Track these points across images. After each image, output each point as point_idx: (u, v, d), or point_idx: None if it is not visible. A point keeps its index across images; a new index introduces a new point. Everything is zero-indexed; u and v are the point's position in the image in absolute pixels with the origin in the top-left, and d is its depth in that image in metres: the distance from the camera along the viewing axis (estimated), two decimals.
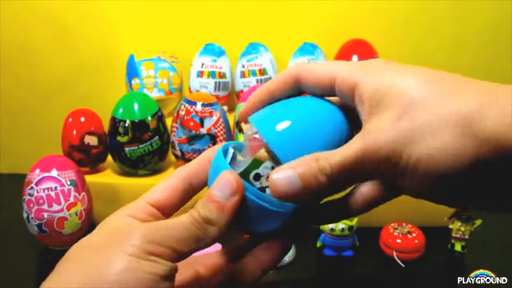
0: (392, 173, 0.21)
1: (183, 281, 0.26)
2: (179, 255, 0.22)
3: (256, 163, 0.24)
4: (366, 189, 0.24)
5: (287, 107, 0.25)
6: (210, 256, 0.28)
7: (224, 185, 0.23)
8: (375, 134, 0.21)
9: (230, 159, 0.25)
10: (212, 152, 0.26)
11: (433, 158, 0.20)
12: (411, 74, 0.23)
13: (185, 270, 0.26)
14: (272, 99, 0.26)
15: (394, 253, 0.58)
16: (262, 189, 0.24)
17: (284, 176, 0.22)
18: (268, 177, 0.23)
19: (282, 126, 0.23)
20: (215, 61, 0.80)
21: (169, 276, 0.22)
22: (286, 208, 0.23)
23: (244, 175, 0.24)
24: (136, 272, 0.21)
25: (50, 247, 0.60)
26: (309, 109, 0.25)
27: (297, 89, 0.26)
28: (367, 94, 0.23)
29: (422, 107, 0.21)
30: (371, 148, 0.21)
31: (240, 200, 0.23)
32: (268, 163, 0.24)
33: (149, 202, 0.25)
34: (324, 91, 0.25)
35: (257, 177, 0.24)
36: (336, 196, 0.25)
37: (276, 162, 0.24)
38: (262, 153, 0.24)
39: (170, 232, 0.22)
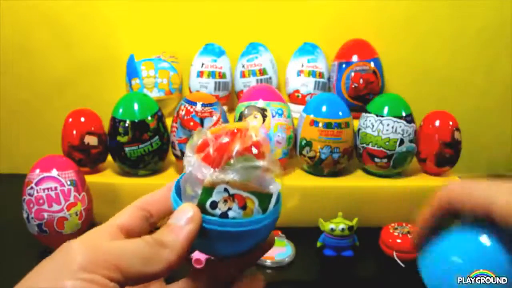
0: None
1: None
2: (125, 277, 0.21)
3: (208, 191, 0.23)
4: None
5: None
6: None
7: (180, 214, 0.23)
8: None
9: (183, 193, 0.25)
10: (170, 187, 0.26)
11: None
12: None
13: None
14: (432, 228, 0.27)
15: (394, 253, 0.58)
16: (224, 213, 0.23)
17: None
18: (225, 200, 0.23)
19: None
20: (215, 61, 0.80)
21: None
22: (252, 225, 0.23)
23: (200, 207, 0.23)
24: None
25: (50, 247, 0.60)
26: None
27: (447, 212, 0.27)
28: None
29: None
30: None
31: (197, 229, 0.23)
32: (220, 187, 0.23)
33: (117, 225, 0.24)
34: (479, 213, 0.25)
35: (214, 204, 0.23)
36: None
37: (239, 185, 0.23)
38: (209, 180, 0.23)
39: (114, 250, 0.21)
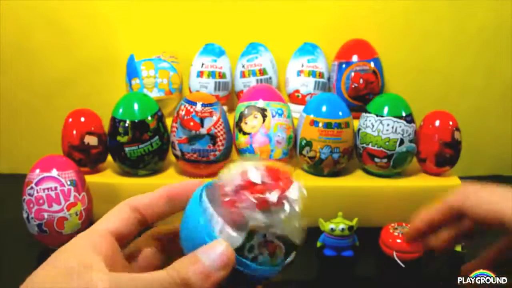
0: None
1: None
2: None
3: (251, 235, 0.23)
4: None
5: None
6: None
7: (214, 255, 0.21)
8: None
9: (215, 220, 0.23)
10: (172, 190, 0.25)
11: None
12: None
13: None
14: (431, 226, 0.27)
15: (394, 253, 0.58)
16: (255, 258, 0.23)
17: None
18: (260, 244, 0.23)
19: None
20: (215, 61, 0.80)
21: None
22: (275, 271, 0.23)
23: (238, 249, 0.22)
24: None
25: (50, 247, 0.60)
26: None
27: (458, 217, 0.27)
28: None
29: None
30: None
31: (227, 275, 0.21)
32: (262, 232, 0.23)
33: (110, 231, 0.23)
34: (490, 223, 0.26)
35: (251, 248, 0.23)
36: None
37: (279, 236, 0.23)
38: (258, 225, 0.22)
39: (138, 283, 0.20)
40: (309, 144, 0.67)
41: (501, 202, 0.25)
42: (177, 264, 0.21)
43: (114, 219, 0.24)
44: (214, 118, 0.65)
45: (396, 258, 0.58)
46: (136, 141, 0.65)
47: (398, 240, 0.58)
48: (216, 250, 0.21)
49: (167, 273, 0.21)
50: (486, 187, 0.26)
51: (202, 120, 0.65)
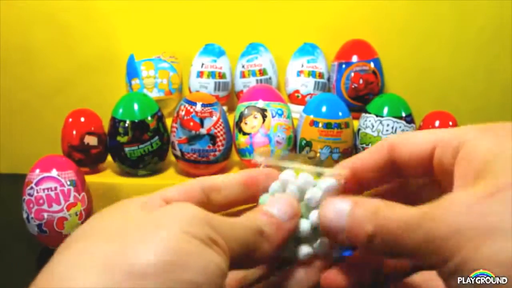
0: (428, 264, 0.17)
1: None
2: (230, 259, 0.18)
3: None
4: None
5: None
6: None
7: (283, 205, 0.21)
8: (450, 203, 0.16)
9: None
10: (250, 175, 0.23)
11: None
12: None
13: None
14: (363, 169, 0.23)
15: None
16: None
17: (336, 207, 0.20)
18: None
19: None
20: (215, 61, 0.80)
21: (225, 276, 0.17)
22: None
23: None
24: (195, 258, 0.16)
25: (50, 247, 0.60)
26: None
27: (390, 161, 0.23)
28: (474, 154, 0.17)
29: None
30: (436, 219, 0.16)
31: (295, 227, 0.21)
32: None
33: (165, 200, 0.21)
34: (419, 161, 0.21)
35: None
36: None
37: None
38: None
39: (231, 227, 0.19)
40: (309, 144, 0.67)
41: (434, 132, 0.20)
42: (251, 213, 0.21)
43: (173, 188, 0.22)
44: (214, 118, 0.65)
45: None
46: (136, 141, 0.65)
47: None
48: (284, 202, 0.21)
49: (247, 218, 0.20)
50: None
51: (202, 120, 0.65)
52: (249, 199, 0.24)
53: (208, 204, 0.22)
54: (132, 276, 0.15)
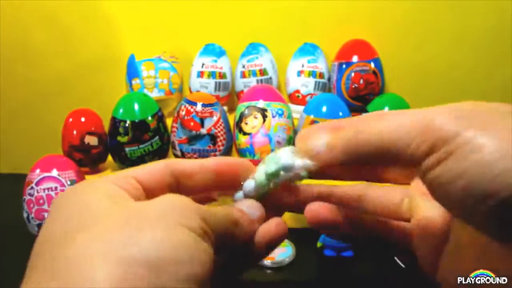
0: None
1: None
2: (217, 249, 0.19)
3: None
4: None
5: None
6: None
7: (254, 208, 0.24)
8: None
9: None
10: (222, 164, 0.24)
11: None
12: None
13: None
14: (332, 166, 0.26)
15: None
16: None
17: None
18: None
19: None
20: (216, 61, 0.80)
21: (213, 264, 0.18)
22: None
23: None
24: (193, 250, 0.17)
25: None
26: None
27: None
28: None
29: None
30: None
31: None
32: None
33: (136, 177, 0.21)
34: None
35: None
36: None
37: None
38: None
39: (214, 217, 0.20)
40: None
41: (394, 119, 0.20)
42: (227, 206, 0.23)
43: (144, 170, 0.22)
44: (214, 118, 0.65)
45: (396, 258, 0.58)
46: (136, 141, 0.65)
47: None
48: (253, 204, 0.24)
49: (223, 210, 0.22)
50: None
51: (202, 120, 0.65)
52: (218, 186, 0.25)
53: (177, 189, 0.23)
54: (149, 267, 0.15)
